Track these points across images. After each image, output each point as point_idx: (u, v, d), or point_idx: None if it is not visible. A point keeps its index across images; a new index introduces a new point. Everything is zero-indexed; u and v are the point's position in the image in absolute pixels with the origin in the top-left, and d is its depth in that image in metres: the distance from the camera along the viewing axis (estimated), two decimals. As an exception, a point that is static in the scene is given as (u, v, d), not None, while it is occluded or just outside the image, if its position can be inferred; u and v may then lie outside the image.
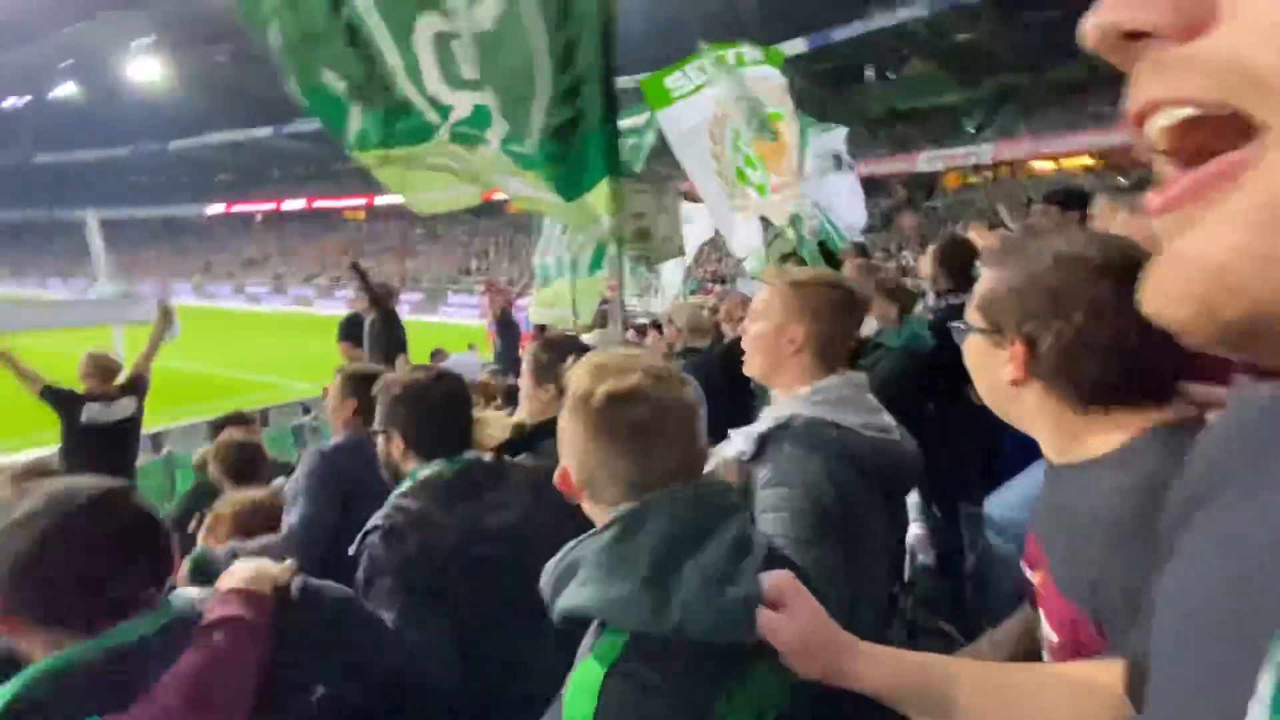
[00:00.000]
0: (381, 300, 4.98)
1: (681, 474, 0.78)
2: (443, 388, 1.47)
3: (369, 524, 1.30)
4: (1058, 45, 24.37)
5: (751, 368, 1.31)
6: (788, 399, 1.24)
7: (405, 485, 1.38)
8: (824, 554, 1.04)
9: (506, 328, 6.29)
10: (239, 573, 1.00)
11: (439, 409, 1.44)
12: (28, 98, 50.43)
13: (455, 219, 38.46)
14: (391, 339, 4.80)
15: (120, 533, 0.92)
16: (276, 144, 43.46)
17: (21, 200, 52.01)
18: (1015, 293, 0.77)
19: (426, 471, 1.38)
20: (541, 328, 5.42)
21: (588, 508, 0.81)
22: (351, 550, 1.30)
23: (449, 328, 17.64)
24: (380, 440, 1.46)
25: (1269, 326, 0.22)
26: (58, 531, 0.86)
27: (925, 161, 25.88)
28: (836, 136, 6.21)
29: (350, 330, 5.16)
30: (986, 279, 0.83)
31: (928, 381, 2.23)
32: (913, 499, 1.76)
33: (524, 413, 1.91)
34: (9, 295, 33.02)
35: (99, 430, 3.17)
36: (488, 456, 1.50)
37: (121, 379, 3.43)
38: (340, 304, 30.94)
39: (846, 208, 6.14)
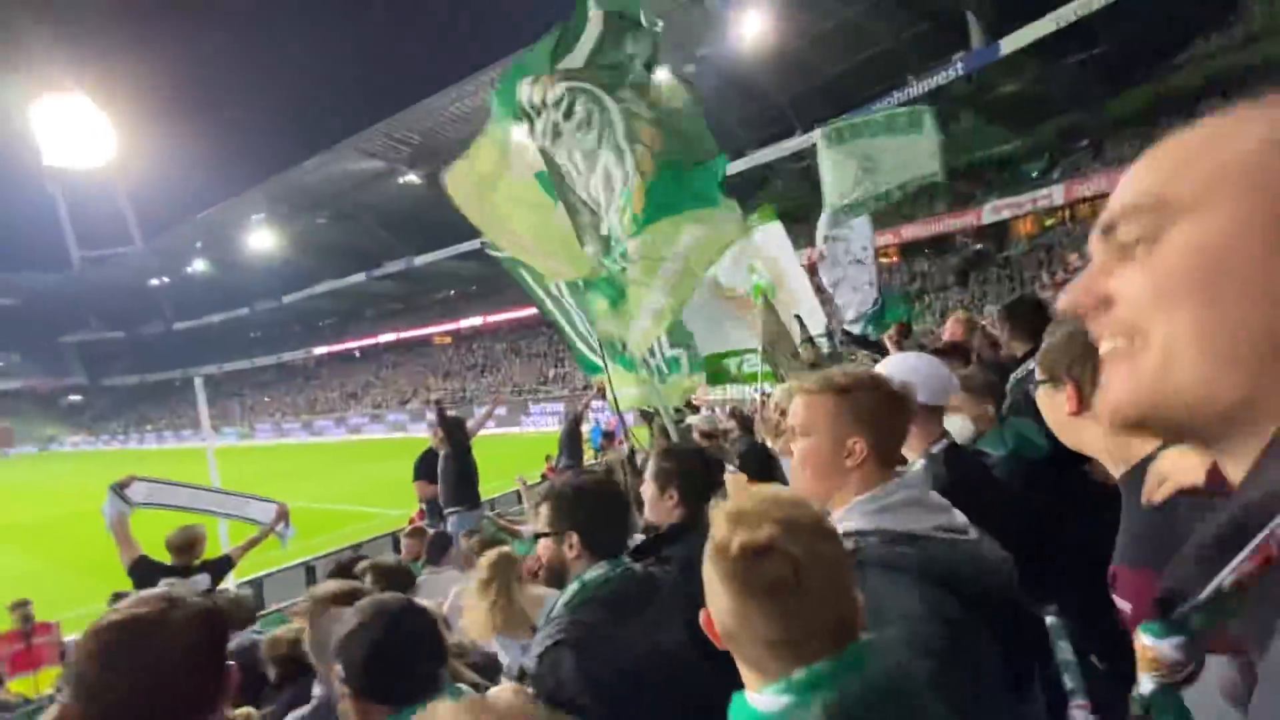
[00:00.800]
0: (454, 435, 5.07)
1: (833, 635, 0.72)
2: (611, 488, 1.55)
3: (544, 639, 1.30)
4: (1111, 79, 23.73)
5: (805, 488, 1.13)
6: (842, 511, 1.08)
7: (572, 595, 1.38)
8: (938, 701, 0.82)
9: (570, 436, 6.30)
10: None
11: (613, 509, 1.50)
12: (166, 278, 58.90)
13: (536, 332, 40.43)
14: (461, 475, 4.84)
15: (430, 627, 1.28)
16: (369, 287, 48.14)
17: (165, 363, 59.70)
18: (1063, 344, 1.10)
19: (591, 576, 1.38)
20: (646, 414, 5.44)
21: (736, 658, 0.77)
22: (528, 664, 1.31)
23: (529, 438, 17.93)
24: (548, 543, 1.47)
25: (1162, 428, 0.43)
26: (391, 630, 1.19)
27: (991, 213, 25.13)
28: (861, 230, 5.74)
29: (425, 468, 5.24)
30: (1045, 340, 1.17)
31: (1056, 493, 1.57)
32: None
33: (650, 518, 1.93)
34: (148, 452, 36.93)
35: (171, 602, 3.24)
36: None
37: (203, 556, 3.53)
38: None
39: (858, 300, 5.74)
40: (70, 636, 5.14)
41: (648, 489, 1.85)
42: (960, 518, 1.14)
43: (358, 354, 52.07)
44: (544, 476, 9.22)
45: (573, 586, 1.39)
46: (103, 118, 66.69)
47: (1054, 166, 25.51)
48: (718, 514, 0.78)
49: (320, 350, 52.97)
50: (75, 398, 64.10)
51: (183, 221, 51.53)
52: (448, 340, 47.12)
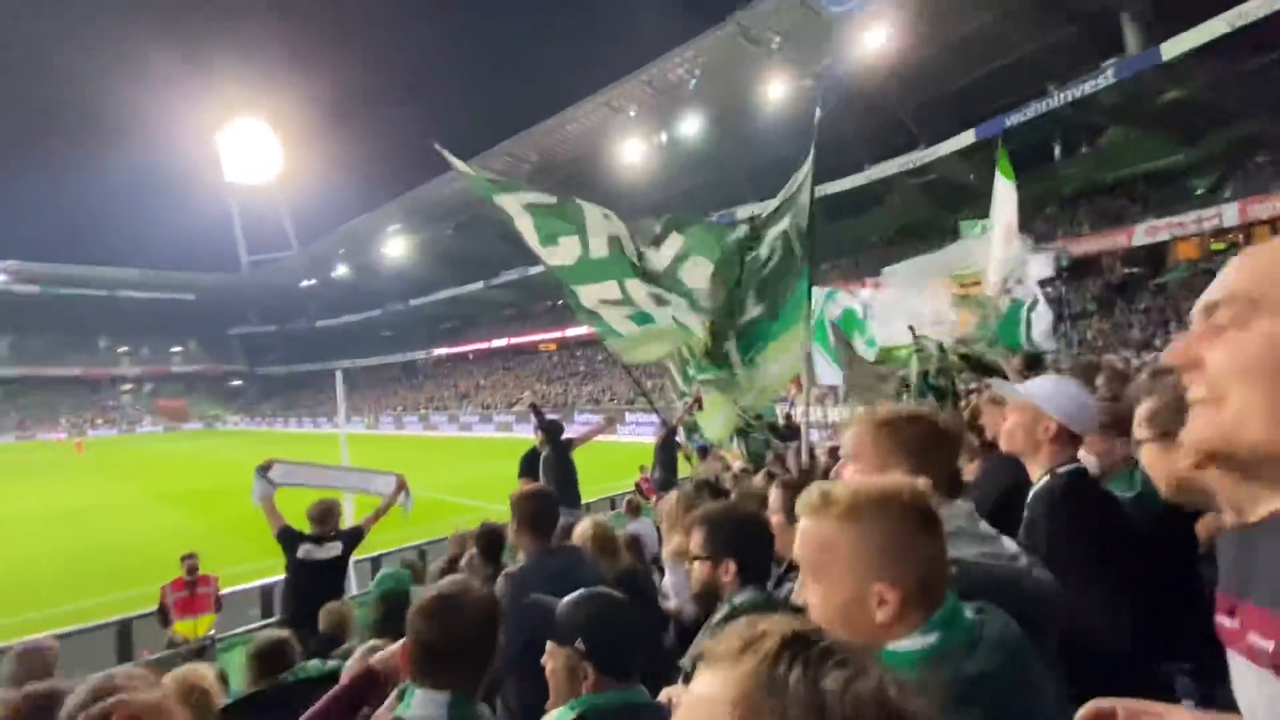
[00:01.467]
0: (554, 435, 5.33)
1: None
2: (762, 520, 1.66)
3: (692, 653, 1.41)
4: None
5: None
6: None
7: (722, 617, 1.47)
8: None
9: (664, 447, 6.34)
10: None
11: (765, 540, 1.61)
12: (314, 280, 65.96)
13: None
14: (561, 476, 5.08)
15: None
16: (486, 295, 51.26)
17: (308, 357, 66.78)
18: (1173, 404, 1.13)
19: (741, 600, 1.48)
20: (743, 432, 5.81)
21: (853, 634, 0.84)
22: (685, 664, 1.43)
23: (623, 447, 18.23)
24: (703, 566, 1.57)
25: (1227, 464, 0.56)
26: (613, 611, 1.34)
27: (1145, 234, 22.39)
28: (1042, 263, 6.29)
29: (528, 466, 5.50)
30: (1143, 400, 1.23)
31: (1182, 543, 1.47)
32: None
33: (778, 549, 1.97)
34: (292, 434, 41.28)
35: (309, 566, 3.67)
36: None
37: (337, 526, 3.96)
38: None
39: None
40: (226, 589, 5.91)
41: (776, 519, 1.85)
42: (1010, 546, 1.16)
43: (471, 357, 55.45)
44: (637, 487, 9.35)
45: (723, 609, 1.49)
46: (273, 138, 76.12)
47: (1225, 183, 22.45)
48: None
49: (439, 351, 57.01)
50: (236, 382, 73.09)
51: (331, 231, 57.65)
52: (553, 347, 49.06)
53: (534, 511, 2.22)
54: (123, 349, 70.35)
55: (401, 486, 4.43)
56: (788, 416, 7.64)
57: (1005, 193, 6.16)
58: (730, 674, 0.45)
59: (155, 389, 68.32)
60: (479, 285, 49.96)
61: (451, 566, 3.59)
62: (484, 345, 53.50)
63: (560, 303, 52.58)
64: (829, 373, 6.42)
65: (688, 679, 1.39)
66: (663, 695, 1.43)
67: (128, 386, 67.63)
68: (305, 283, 66.88)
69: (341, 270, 61.68)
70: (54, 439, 46.92)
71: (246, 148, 75.68)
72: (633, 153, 36.20)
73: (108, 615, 6.45)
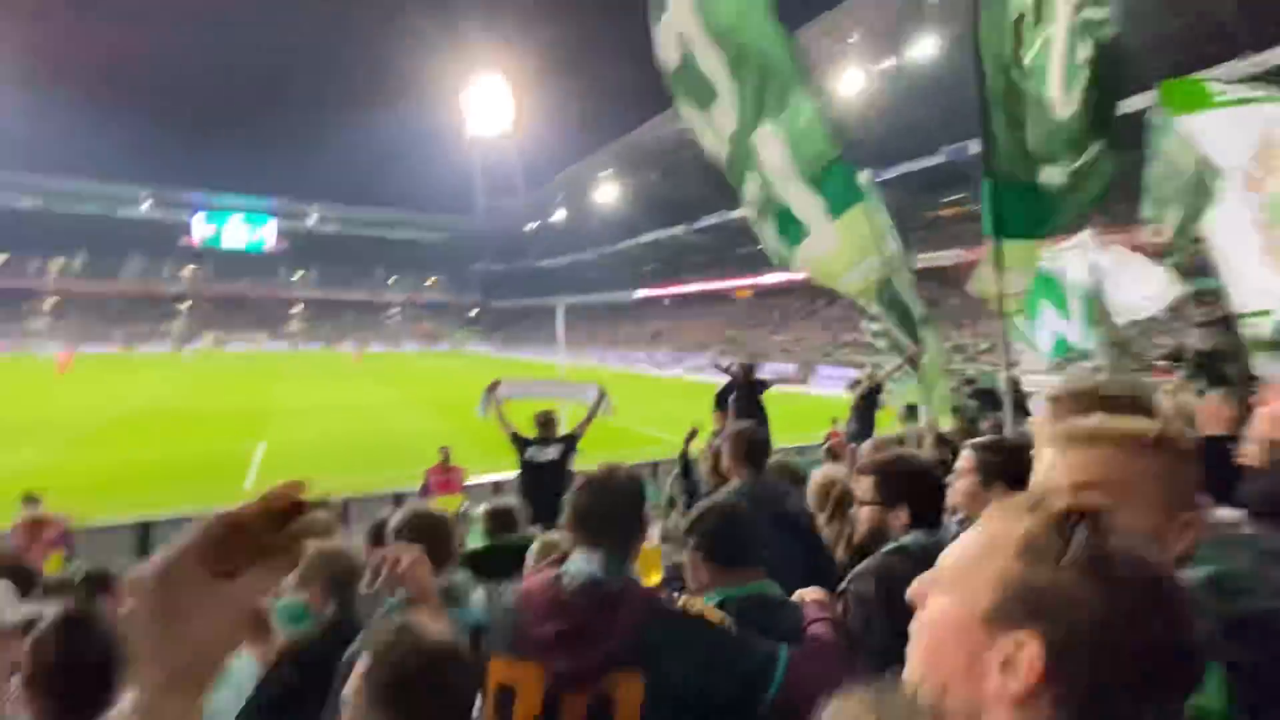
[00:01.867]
0: (746, 377, 5.51)
1: None
2: (935, 473, 1.78)
3: (859, 570, 1.58)
4: None
5: None
6: None
7: (892, 548, 1.62)
8: None
9: (865, 403, 6.12)
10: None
11: (938, 490, 1.72)
12: (537, 222, 72.77)
13: (834, 295, 39.16)
14: (751, 409, 5.26)
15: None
16: (685, 239, 52.21)
17: (528, 293, 74.77)
18: None
19: (909, 539, 1.62)
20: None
21: None
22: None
23: (812, 400, 17.71)
24: (871, 510, 1.71)
25: None
26: (714, 512, 1.64)
27: None
28: None
29: (722, 400, 5.80)
30: None
31: None
32: None
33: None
34: (516, 362, 47.15)
35: (535, 466, 4.35)
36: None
37: (557, 432, 4.61)
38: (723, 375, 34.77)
39: None
40: (469, 481, 7.23)
41: (966, 481, 1.78)
42: None
43: (667, 300, 57.41)
44: (826, 440, 8.99)
45: (891, 546, 1.61)
46: (508, 93, 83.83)
47: None
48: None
49: (639, 293, 59.93)
50: (474, 312, 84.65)
51: (551, 177, 62.74)
52: (747, 294, 48.68)
53: (748, 446, 2.47)
54: (392, 279, 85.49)
55: (603, 394, 5.01)
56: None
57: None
58: (1015, 524, 0.52)
59: (414, 314, 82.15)
60: (680, 229, 50.98)
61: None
62: (680, 289, 54.94)
63: (759, 248, 51.27)
64: (1073, 331, 5.22)
65: (849, 597, 1.51)
66: (797, 595, 1.56)
67: (394, 311, 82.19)
68: (530, 225, 74.24)
69: (559, 214, 67.17)
70: (343, 350, 59.27)
71: (485, 103, 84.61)
72: (852, 83, 33.40)
73: (385, 488, 8.27)
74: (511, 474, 5.41)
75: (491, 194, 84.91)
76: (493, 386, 4.85)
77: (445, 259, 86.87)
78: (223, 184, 77.39)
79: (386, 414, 19.52)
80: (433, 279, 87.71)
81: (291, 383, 29.32)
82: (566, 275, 71.59)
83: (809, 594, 1.54)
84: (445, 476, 6.80)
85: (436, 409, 20.18)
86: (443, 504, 6.66)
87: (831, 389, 25.57)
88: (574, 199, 61.98)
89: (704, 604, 1.36)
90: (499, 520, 2.81)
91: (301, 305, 76.54)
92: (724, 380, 6.02)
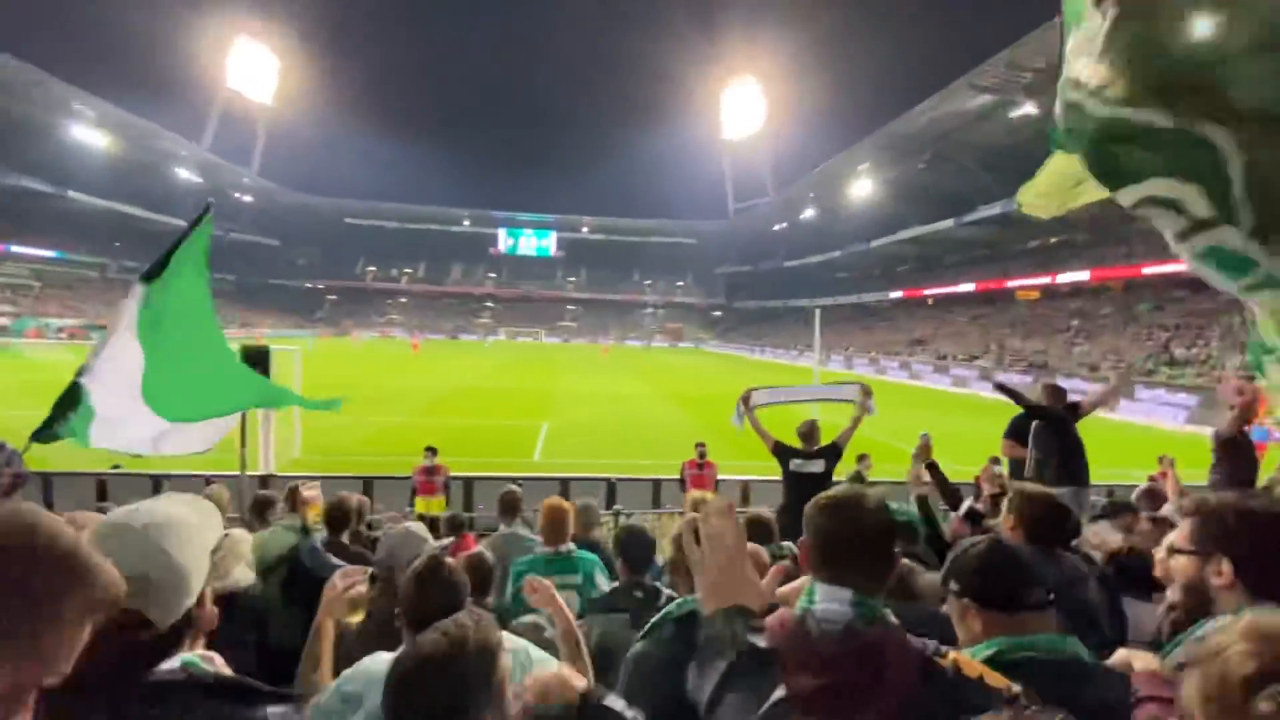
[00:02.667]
0: (1055, 401, 4.63)
1: None
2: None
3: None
4: None
5: None
6: None
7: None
8: None
9: (1235, 446, 4.36)
10: None
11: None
12: (785, 224, 71.74)
13: (1166, 295, 31.52)
14: (1058, 445, 4.39)
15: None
16: (954, 233, 46.55)
17: (774, 294, 74.36)
18: None
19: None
20: None
21: None
22: None
23: (1130, 430, 14.42)
24: (1188, 561, 1.36)
25: None
26: (985, 552, 1.32)
27: None
28: None
29: (1016, 429, 4.90)
30: None
31: None
32: None
33: None
34: (756, 361, 47.23)
35: (798, 477, 4.29)
36: None
37: (819, 442, 4.49)
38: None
39: None
40: (721, 477, 7.48)
41: None
42: None
43: (929, 301, 51.87)
44: (1150, 482, 7.05)
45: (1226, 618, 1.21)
46: (760, 92, 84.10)
47: None
48: None
49: (895, 294, 55.23)
50: (717, 313, 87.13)
51: (804, 175, 61.26)
52: (1034, 295, 41.52)
53: (1046, 515, 1.99)
54: (646, 281, 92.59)
55: (866, 392, 4.65)
56: None
57: None
58: None
59: (663, 313, 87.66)
60: (948, 223, 45.65)
61: None
62: (946, 289, 49.23)
63: (1054, 240, 43.47)
64: None
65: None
66: (1119, 657, 1.26)
67: (647, 310, 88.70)
68: (777, 226, 73.63)
69: (809, 213, 65.31)
70: (598, 344, 65.86)
71: (739, 107, 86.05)
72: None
73: (645, 474, 8.97)
74: (759, 477, 5.42)
75: (740, 197, 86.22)
76: (746, 397, 4.81)
77: (694, 262, 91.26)
78: (518, 203, 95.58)
79: (642, 405, 21.16)
80: (682, 281, 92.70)
81: (566, 372, 33.61)
82: (814, 276, 69.36)
83: (1138, 658, 1.23)
84: (700, 473, 7.11)
85: (685, 403, 21.28)
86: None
87: (1158, 419, 20.51)
88: (825, 196, 59.62)
89: (978, 661, 1.07)
90: (754, 530, 2.78)
91: (573, 305, 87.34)
92: (1005, 400, 5.00)
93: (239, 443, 4.40)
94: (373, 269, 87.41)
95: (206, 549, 1.04)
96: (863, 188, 53.47)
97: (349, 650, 1.65)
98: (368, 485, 7.51)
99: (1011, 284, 42.88)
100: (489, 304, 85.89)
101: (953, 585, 1.33)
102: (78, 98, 43.51)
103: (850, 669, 0.95)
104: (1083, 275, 36.58)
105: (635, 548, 2.31)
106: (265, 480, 7.19)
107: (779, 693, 0.81)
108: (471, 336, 73.54)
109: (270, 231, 76.18)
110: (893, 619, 1.13)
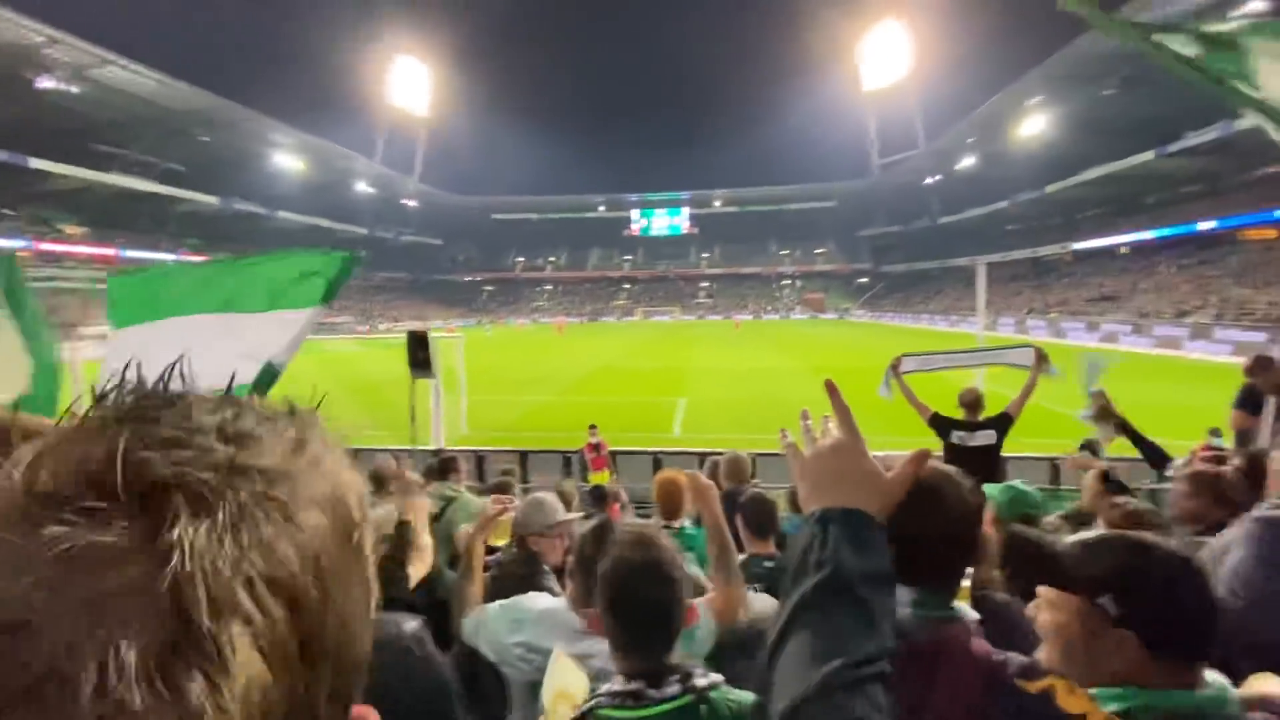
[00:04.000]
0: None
1: None
2: None
3: None
4: None
5: None
6: None
7: None
8: None
9: None
10: None
11: None
12: (939, 176, 65.15)
13: None
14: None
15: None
16: (1156, 166, 39.38)
17: (928, 254, 68.14)
18: None
19: None
20: None
21: None
22: None
23: None
24: None
25: None
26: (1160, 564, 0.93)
27: None
28: None
29: (1246, 398, 4.13)
30: None
31: None
32: None
33: None
34: (908, 329, 43.76)
35: (962, 451, 3.86)
36: None
37: (985, 411, 4.01)
38: (1223, 347, 25.06)
39: None
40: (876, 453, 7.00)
41: None
42: None
43: (1125, 250, 44.56)
44: None
45: None
46: (906, 36, 76.60)
47: None
48: None
49: (1079, 245, 48.07)
50: (863, 280, 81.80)
51: (960, 120, 55.04)
52: (1272, 234, 33.99)
53: None
54: (784, 251, 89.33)
55: (1042, 357, 4.09)
56: None
57: None
58: None
59: (802, 284, 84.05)
60: (1147, 155, 38.65)
61: None
62: (1146, 235, 41.97)
63: (1296, 166, 35.09)
64: None
65: None
66: (1256, 683, 1.04)
67: (785, 282, 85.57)
68: (929, 179, 67.18)
69: (967, 161, 58.79)
70: (731, 320, 64.76)
71: (881, 53, 79.08)
72: None
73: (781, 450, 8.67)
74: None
75: (885, 152, 79.61)
76: (895, 364, 4.41)
77: (834, 227, 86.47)
78: (650, 183, 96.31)
79: (780, 380, 20.55)
80: (822, 248, 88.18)
81: (700, 348, 33.64)
82: (976, 231, 62.47)
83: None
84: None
85: (823, 377, 20.29)
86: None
87: None
88: (987, 141, 53.14)
89: (1100, 708, 0.83)
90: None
91: (707, 281, 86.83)
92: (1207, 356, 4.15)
93: (409, 418, 4.89)
94: (521, 260, 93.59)
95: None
96: (1034, 126, 46.95)
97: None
98: (523, 458, 8.07)
99: (1237, 222, 35.47)
100: (625, 286, 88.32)
101: (1110, 606, 0.92)
102: (277, 129, 50.80)
103: (896, 674, 0.82)
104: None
105: (759, 515, 2.37)
106: (437, 454, 8.01)
107: None
108: (608, 318, 76.55)
109: (433, 231, 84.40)
110: (967, 620, 1.03)
